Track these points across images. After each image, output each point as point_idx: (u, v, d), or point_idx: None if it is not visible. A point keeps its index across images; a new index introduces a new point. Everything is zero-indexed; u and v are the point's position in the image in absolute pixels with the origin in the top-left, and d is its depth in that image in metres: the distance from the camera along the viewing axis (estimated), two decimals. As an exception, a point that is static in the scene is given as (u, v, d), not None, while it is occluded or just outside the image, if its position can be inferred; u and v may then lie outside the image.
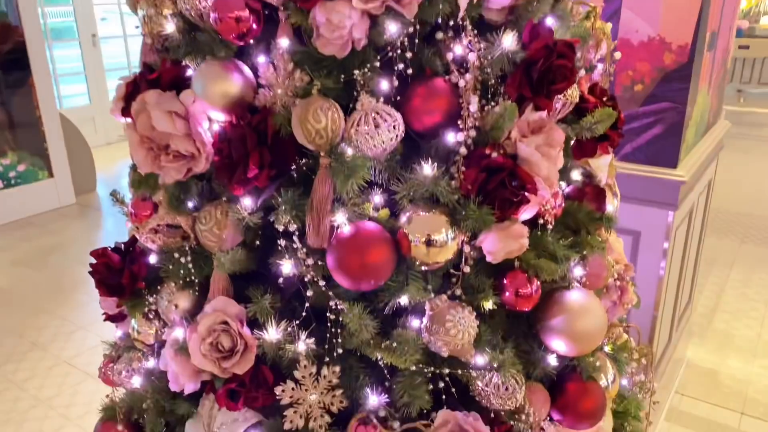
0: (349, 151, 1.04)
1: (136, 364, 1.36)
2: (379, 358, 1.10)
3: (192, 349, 1.11)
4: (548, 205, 1.22)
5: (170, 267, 1.24)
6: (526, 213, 1.15)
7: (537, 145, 1.09)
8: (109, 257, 1.31)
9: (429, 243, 1.06)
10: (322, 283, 1.10)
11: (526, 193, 1.09)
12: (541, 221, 1.22)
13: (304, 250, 1.08)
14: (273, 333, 1.12)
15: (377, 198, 1.09)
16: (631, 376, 1.53)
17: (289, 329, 1.12)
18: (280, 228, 1.06)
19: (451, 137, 1.06)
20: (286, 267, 1.09)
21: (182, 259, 1.21)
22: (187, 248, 1.22)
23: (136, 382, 1.31)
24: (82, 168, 5.89)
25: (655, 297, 2.32)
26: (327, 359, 1.13)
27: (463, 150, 1.06)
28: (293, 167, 1.10)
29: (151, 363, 1.35)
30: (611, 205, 1.36)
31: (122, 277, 1.30)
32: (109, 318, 1.53)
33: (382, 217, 1.08)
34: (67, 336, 3.44)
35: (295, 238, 1.07)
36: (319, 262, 1.08)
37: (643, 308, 2.34)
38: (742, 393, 2.90)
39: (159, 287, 1.30)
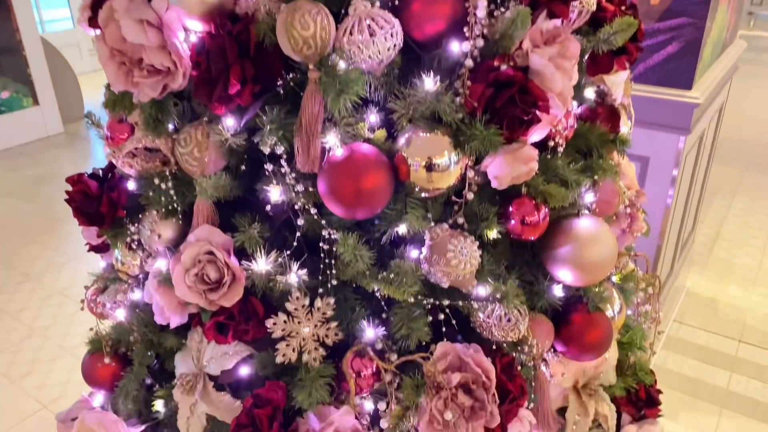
0: (341, 64, 0.93)
1: (121, 296, 1.30)
2: (375, 289, 1.03)
3: (176, 281, 1.04)
4: (560, 126, 1.12)
5: (151, 194, 1.15)
6: (536, 134, 1.05)
7: (551, 56, 0.98)
8: (86, 184, 1.22)
9: (430, 167, 0.96)
10: (313, 211, 1.01)
11: (538, 112, 0.99)
12: (551, 143, 1.12)
13: (293, 175, 0.99)
14: (262, 264, 1.04)
15: (373, 117, 0.99)
16: (636, 306, 1.48)
17: (280, 260, 1.05)
18: (266, 151, 0.96)
19: (455, 47, 0.95)
20: (274, 193, 1.00)
21: (163, 186, 1.12)
22: (167, 174, 1.13)
23: (121, 314, 1.25)
24: (68, 95, 5.69)
25: (661, 225, 2.26)
26: (321, 291, 1.07)
27: (468, 62, 0.95)
28: (279, 82, 0.99)
29: (136, 295, 1.29)
30: (625, 127, 1.27)
31: (101, 205, 1.21)
32: (93, 248, 1.46)
33: (378, 138, 0.98)
34: (59, 267, 3.40)
35: (282, 161, 0.98)
36: (310, 188, 1.00)
37: (649, 237, 2.28)
38: (741, 321, 2.90)
39: (141, 216, 1.22)
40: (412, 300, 1.05)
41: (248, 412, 1.03)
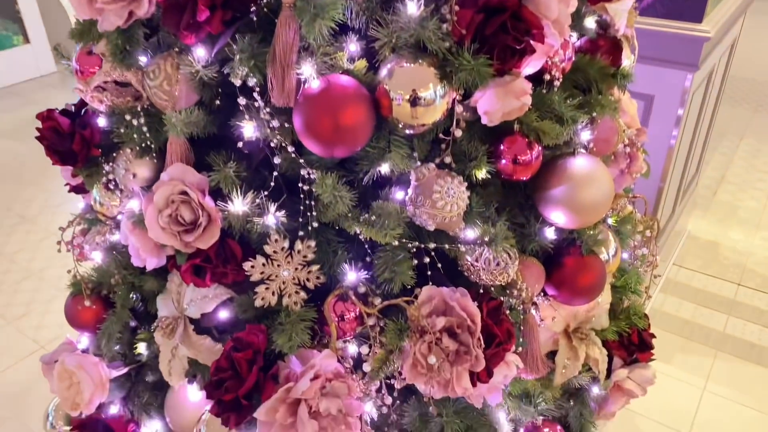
0: (318, -13, 0.85)
1: (100, 238, 1.26)
2: (358, 232, 0.99)
3: (149, 222, 0.99)
4: (556, 58, 1.05)
5: (123, 131, 1.09)
6: (530, 66, 0.98)
7: (546, -21, 0.90)
8: (57, 121, 1.16)
9: (414, 101, 0.90)
10: (291, 149, 0.96)
11: (532, 41, 0.92)
12: (546, 77, 1.05)
13: (268, 109, 0.92)
14: (239, 204, 0.99)
15: (353, 46, 0.92)
16: (633, 249, 1.43)
17: (258, 201, 1.00)
18: (237, 83, 0.90)
19: (441, -31, 0.87)
20: (248, 130, 0.94)
21: (135, 122, 1.06)
22: (139, 109, 1.07)
23: (97, 257, 1.21)
24: (60, 33, 5.52)
25: (663, 167, 2.19)
26: (301, 233, 1.02)
27: (456, -14, 0.88)
28: (252, 8, 0.92)
29: (116, 237, 1.25)
30: (628, 60, 1.19)
31: (73, 143, 1.16)
32: (73, 189, 1.41)
33: (358, 69, 0.91)
34: (55, 209, 3.37)
35: (256, 95, 0.91)
36: (286, 124, 0.94)
37: (650, 179, 2.22)
38: (741, 265, 2.87)
39: (115, 155, 1.16)
40: (396, 243, 1.00)
41: (227, 355, 1.01)
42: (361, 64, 0.92)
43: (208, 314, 1.10)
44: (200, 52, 0.94)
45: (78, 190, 1.39)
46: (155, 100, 1.00)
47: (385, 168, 0.95)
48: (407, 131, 0.94)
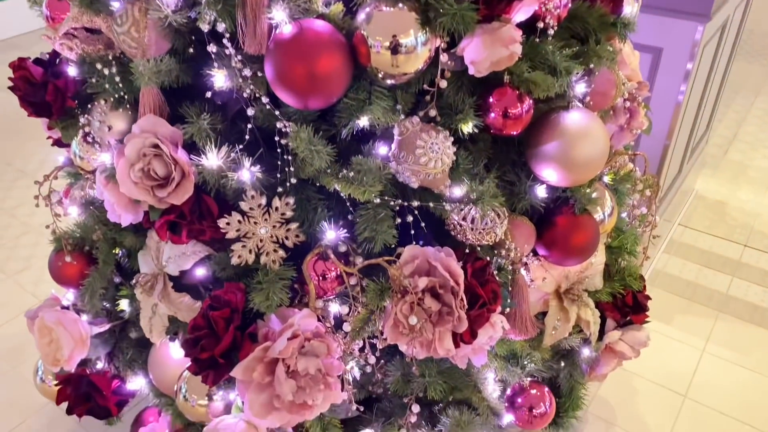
0: (289, -77, 0.79)
1: (79, 193, 1.23)
2: (337, 189, 0.94)
3: (120, 176, 0.96)
4: (551, 4, 0.98)
5: (95, 81, 1.04)
6: (521, 12, 0.92)
7: None
8: (29, 70, 1.12)
9: (394, 49, 0.84)
10: (265, 100, 0.91)
11: (521, -15, 0.85)
12: (540, 25, 0.99)
13: (239, 57, 0.87)
14: (213, 158, 0.95)
15: (329, -12, 0.86)
16: (632, 208, 1.39)
17: (233, 155, 0.96)
18: (205, 28, 0.84)
19: None
20: (218, 79, 0.89)
21: (106, 71, 1.02)
22: (111, 58, 1.02)
23: (74, 212, 1.18)
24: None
25: (669, 124, 2.11)
26: (280, 190, 0.98)
27: None
28: (224, -51, 0.86)
29: (95, 191, 1.22)
30: (630, 8, 1.11)
31: (46, 93, 1.11)
32: (56, 142, 1.38)
33: (334, 13, 0.86)
34: (55, 164, 3.34)
35: (226, 41, 0.86)
36: (259, 73, 0.89)
37: (655, 136, 2.14)
38: (749, 225, 2.80)
39: (90, 106, 1.12)
40: (378, 201, 0.96)
41: (204, 314, 0.98)
42: (338, 8, 0.86)
43: (187, 272, 1.07)
44: (168, -4, 0.88)
45: (60, 143, 1.36)
46: (124, 48, 0.95)
47: (364, 121, 0.90)
48: (388, 81, 0.89)
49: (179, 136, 0.97)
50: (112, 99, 1.07)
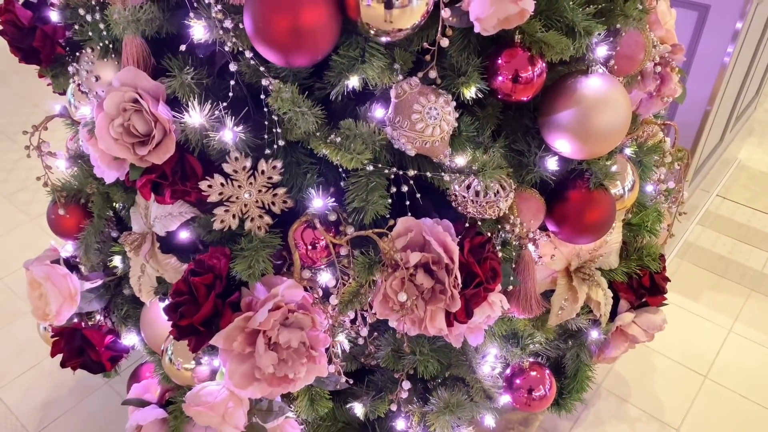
0: None
1: (73, 145, 1.19)
2: (324, 153, 0.88)
3: (99, 132, 0.91)
4: (573, -46, 0.87)
5: (78, 28, 0.98)
6: (536, -37, 0.81)
7: None
8: (15, 14, 1.06)
9: (388, 2, 0.76)
10: (248, 54, 0.84)
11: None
12: (559, -23, 0.88)
13: (219, 7, 0.80)
14: (196, 116, 0.89)
15: (317, -68, 0.77)
16: (658, 183, 1.28)
17: (217, 112, 0.89)
18: (180, -27, 0.77)
19: None
20: (197, 31, 0.82)
21: (89, 17, 0.95)
22: (93, 3, 0.95)
23: (61, 165, 1.15)
24: None
25: (712, 88, 1.96)
26: (268, 152, 0.92)
27: None
28: None
29: (89, 143, 1.18)
30: (667, -40, 0.99)
31: (34, 39, 1.06)
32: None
33: (322, -40, 0.77)
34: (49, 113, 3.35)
35: (204, -12, 0.79)
36: (242, 25, 0.81)
37: (695, 101, 1.99)
38: (793, 199, 2.64)
39: (78, 54, 1.06)
40: (371, 168, 0.89)
41: (185, 279, 0.94)
42: (326, -45, 0.77)
43: (174, 233, 1.03)
44: (146, -63, 0.81)
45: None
46: (104, -7, 0.89)
47: (354, 81, 0.82)
48: (382, 38, 0.81)
49: (162, 90, 0.91)
50: (99, 47, 1.01)
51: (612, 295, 1.19)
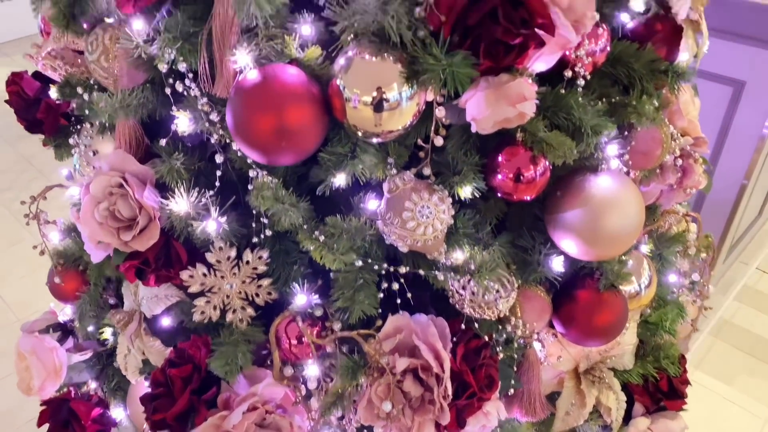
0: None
1: (75, 213, 1.18)
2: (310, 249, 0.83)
3: (84, 215, 0.89)
4: (582, 50, 0.82)
5: (76, 104, 0.98)
6: (539, 62, 0.76)
7: (560, -48, 0.68)
8: (21, 86, 1.07)
9: (377, 105, 0.71)
10: (236, 147, 0.80)
11: (538, 31, 0.70)
12: (568, 74, 0.83)
13: (205, 100, 0.77)
14: (183, 203, 0.86)
15: (306, 28, 0.74)
16: (681, 275, 1.19)
17: (204, 200, 0.86)
18: (163, 68, 0.75)
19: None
20: (182, 123, 0.79)
21: (86, 96, 0.94)
22: (92, 82, 0.95)
23: (55, 237, 1.13)
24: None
25: (749, 162, 1.86)
26: (255, 240, 0.88)
27: (435, -43, 0.67)
28: (198, -26, 0.76)
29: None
30: (687, 53, 0.93)
31: (38, 110, 1.06)
32: (66, 151, 1.34)
33: (309, 58, 0.74)
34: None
35: (189, 82, 0.76)
36: (227, 118, 0.78)
37: (732, 174, 1.90)
38: (839, 277, 2.48)
39: (79, 127, 1.06)
40: (360, 263, 0.85)
41: (163, 369, 0.90)
42: (314, 53, 0.74)
43: (158, 316, 0.99)
44: (137, 25, 0.79)
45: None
46: (97, 77, 0.88)
47: (340, 180, 0.78)
48: (372, 140, 0.77)
49: (150, 174, 0.89)
50: (98, 122, 1.00)
51: (625, 398, 1.10)
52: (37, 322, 1.31)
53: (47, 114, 1.06)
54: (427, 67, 0.67)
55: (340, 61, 0.72)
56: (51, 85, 0.99)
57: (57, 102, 1.06)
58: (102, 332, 1.18)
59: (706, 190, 1.16)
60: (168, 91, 0.77)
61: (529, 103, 0.75)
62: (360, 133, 0.74)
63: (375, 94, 0.71)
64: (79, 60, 0.96)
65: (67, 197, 1.00)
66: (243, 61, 0.71)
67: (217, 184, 0.84)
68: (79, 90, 0.95)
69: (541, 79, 0.81)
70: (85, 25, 0.88)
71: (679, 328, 1.21)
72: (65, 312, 1.32)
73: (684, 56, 0.92)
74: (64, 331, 1.31)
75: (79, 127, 1.05)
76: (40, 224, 1.14)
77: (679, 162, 1.04)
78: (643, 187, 1.04)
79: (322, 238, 0.79)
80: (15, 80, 1.07)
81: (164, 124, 0.91)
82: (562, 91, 0.83)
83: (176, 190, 0.86)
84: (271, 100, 0.70)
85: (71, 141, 1.06)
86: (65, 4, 0.87)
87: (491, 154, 0.84)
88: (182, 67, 0.74)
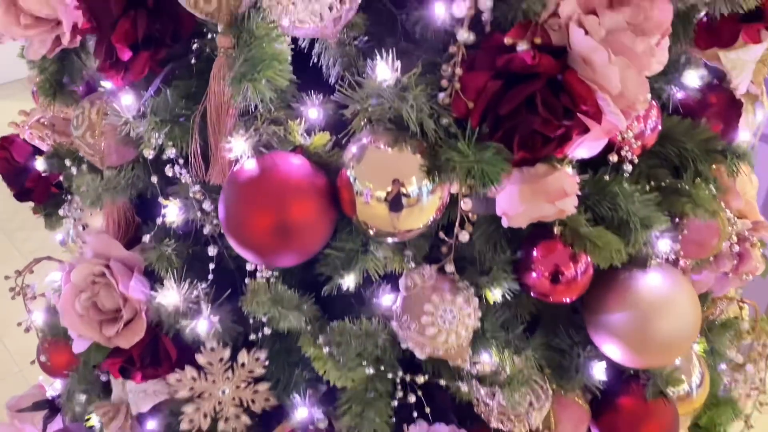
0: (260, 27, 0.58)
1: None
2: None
3: (63, 305, 0.79)
4: (630, 132, 0.72)
5: (64, 176, 0.89)
6: (582, 148, 0.66)
7: (611, 30, 0.58)
8: (11, 151, 0.99)
9: (394, 202, 0.61)
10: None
11: (583, 118, 0.60)
12: (613, 158, 0.73)
13: (197, 188, 0.68)
14: (173, 295, 0.76)
15: (313, 112, 0.64)
16: (733, 369, 1.06)
17: (195, 293, 0.76)
18: (149, 155, 0.66)
19: (440, 9, 0.57)
20: (171, 212, 0.70)
21: (74, 170, 0.86)
22: (81, 154, 0.86)
23: (38, 318, 1.04)
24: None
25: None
26: (253, 338, 0.78)
27: (464, 35, 0.57)
28: (194, 45, 0.67)
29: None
30: (748, 131, 0.82)
31: (28, 178, 0.98)
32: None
33: (316, 146, 0.64)
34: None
35: (179, 168, 0.67)
36: (222, 208, 0.68)
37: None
38: None
39: (70, 198, 0.97)
40: (372, 371, 0.73)
41: (146, 483, 0.79)
42: (321, 140, 0.64)
43: (146, 414, 0.89)
44: (126, 99, 0.70)
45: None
46: (83, 153, 0.79)
47: (349, 281, 0.68)
48: (387, 239, 0.66)
49: (137, 261, 0.79)
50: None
51: None
52: (24, 398, 1.21)
53: (37, 183, 0.98)
54: (453, 164, 0.57)
55: (352, 149, 0.62)
56: (38, 157, 0.91)
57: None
58: (89, 419, 1.07)
59: (764, 275, 1.03)
60: (154, 179, 0.67)
61: (570, 199, 0.65)
62: (372, 232, 0.64)
63: (390, 188, 0.60)
64: (68, 129, 0.88)
65: (47, 282, 0.91)
66: (239, 150, 0.62)
67: (210, 276, 0.74)
68: (67, 162, 0.86)
69: (582, 163, 0.71)
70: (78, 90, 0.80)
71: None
72: (54, 387, 1.23)
73: (745, 135, 0.81)
74: (52, 408, 1.21)
75: (69, 197, 0.97)
76: (26, 299, 1.05)
77: (736, 248, 0.92)
78: (695, 276, 0.92)
79: (326, 349, 0.68)
80: (4, 145, 0.99)
81: (156, 201, 0.82)
82: (606, 177, 0.73)
83: (165, 280, 0.76)
84: (269, 194, 0.61)
85: (61, 212, 0.98)
86: (52, 72, 0.79)
87: (524, 247, 0.73)
88: (171, 153, 0.65)
